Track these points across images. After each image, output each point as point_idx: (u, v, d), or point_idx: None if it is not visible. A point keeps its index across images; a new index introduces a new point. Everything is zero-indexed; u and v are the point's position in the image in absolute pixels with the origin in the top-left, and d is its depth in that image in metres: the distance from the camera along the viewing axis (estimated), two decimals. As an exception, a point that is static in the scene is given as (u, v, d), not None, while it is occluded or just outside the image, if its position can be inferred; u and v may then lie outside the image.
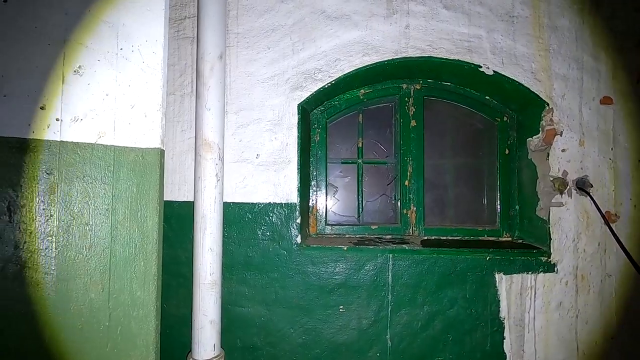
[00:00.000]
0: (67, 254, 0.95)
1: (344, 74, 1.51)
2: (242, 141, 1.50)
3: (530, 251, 1.50)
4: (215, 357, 1.30)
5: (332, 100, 1.72)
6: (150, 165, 1.04)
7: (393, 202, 1.79)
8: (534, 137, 1.58)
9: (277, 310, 1.48)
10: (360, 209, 1.78)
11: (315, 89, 1.51)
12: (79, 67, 0.98)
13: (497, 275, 1.48)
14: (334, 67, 1.51)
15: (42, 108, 0.94)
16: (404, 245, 1.52)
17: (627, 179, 1.50)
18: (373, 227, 1.74)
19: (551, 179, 1.50)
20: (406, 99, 1.74)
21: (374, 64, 1.51)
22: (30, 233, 0.92)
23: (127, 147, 1.02)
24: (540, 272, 1.48)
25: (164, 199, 1.22)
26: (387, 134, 1.80)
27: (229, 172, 1.48)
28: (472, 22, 1.51)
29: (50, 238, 0.94)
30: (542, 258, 1.48)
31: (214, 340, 1.30)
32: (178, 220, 1.48)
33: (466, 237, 1.71)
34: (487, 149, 1.79)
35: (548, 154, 1.52)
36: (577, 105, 1.51)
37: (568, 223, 1.49)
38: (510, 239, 1.72)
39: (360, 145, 1.78)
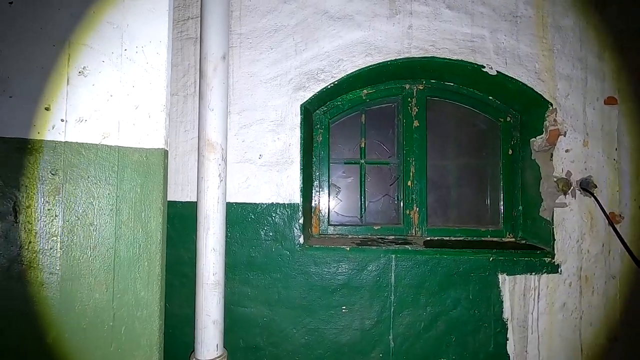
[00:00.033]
0: (71, 254, 0.96)
1: (347, 75, 1.51)
2: (245, 141, 1.50)
3: (534, 252, 1.50)
4: (218, 357, 1.30)
5: (334, 101, 1.72)
6: (154, 166, 1.04)
7: (396, 202, 1.79)
8: (537, 138, 1.58)
9: (279, 311, 1.48)
10: (363, 210, 1.78)
11: (318, 89, 1.51)
12: (84, 68, 0.98)
13: (500, 276, 1.47)
14: (336, 68, 1.51)
15: (47, 109, 0.95)
16: (406, 246, 1.51)
17: (632, 180, 1.49)
18: (376, 228, 1.74)
19: (555, 179, 1.49)
20: (409, 99, 1.74)
21: (377, 64, 1.51)
22: (36, 233, 0.93)
23: (131, 147, 1.02)
24: (544, 273, 1.48)
25: (167, 199, 1.22)
26: (389, 134, 1.80)
27: (232, 173, 1.49)
28: (475, 22, 1.51)
29: (55, 238, 0.94)
30: (546, 259, 1.48)
31: (216, 340, 1.30)
32: (181, 220, 1.48)
33: (469, 238, 1.71)
34: (490, 149, 1.79)
35: (552, 154, 1.51)
36: (581, 105, 1.50)
37: (572, 224, 1.48)
38: (513, 239, 1.72)
39: (362, 145, 1.78)
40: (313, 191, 1.73)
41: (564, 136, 1.49)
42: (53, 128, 0.95)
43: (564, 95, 1.50)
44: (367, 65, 1.51)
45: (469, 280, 1.48)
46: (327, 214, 1.74)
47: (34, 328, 0.91)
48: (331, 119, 1.75)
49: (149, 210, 1.04)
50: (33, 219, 0.93)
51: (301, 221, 1.49)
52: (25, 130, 0.93)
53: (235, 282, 1.48)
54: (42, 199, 0.94)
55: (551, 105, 1.50)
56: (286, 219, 1.49)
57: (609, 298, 1.47)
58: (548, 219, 1.52)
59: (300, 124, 1.50)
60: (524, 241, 1.68)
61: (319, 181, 1.74)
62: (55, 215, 0.95)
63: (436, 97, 1.76)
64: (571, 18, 1.51)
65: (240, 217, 1.49)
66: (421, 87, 1.74)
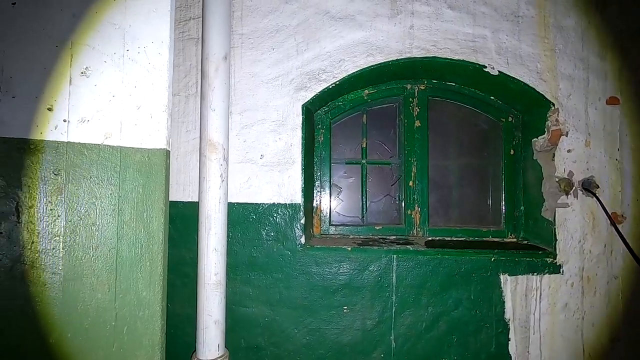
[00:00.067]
0: (74, 254, 0.96)
1: (348, 75, 1.51)
2: (246, 142, 1.50)
3: (536, 252, 1.50)
4: (220, 357, 1.30)
5: (336, 101, 1.72)
6: (156, 166, 1.04)
7: (397, 202, 1.79)
8: (539, 138, 1.58)
9: (281, 311, 1.48)
10: (364, 210, 1.78)
11: (320, 89, 1.51)
12: (86, 68, 0.99)
13: (502, 277, 1.47)
14: (338, 68, 1.51)
15: (49, 109, 0.95)
16: (408, 246, 1.51)
17: (634, 180, 1.48)
18: (377, 228, 1.74)
19: (557, 179, 1.49)
20: (410, 99, 1.74)
21: (378, 64, 1.51)
22: (38, 233, 0.93)
23: (133, 148, 1.02)
24: (546, 273, 1.47)
25: (169, 200, 1.22)
26: (391, 134, 1.80)
27: (234, 173, 1.49)
28: (477, 22, 1.51)
29: (57, 238, 0.95)
30: (548, 259, 1.47)
31: (218, 340, 1.30)
32: (183, 220, 1.49)
33: (471, 238, 1.71)
34: (491, 149, 1.79)
35: (554, 154, 1.51)
36: (583, 105, 1.50)
37: (574, 224, 1.48)
38: (515, 240, 1.72)
39: (364, 145, 1.78)
40: (314, 191, 1.73)
41: (566, 136, 1.49)
42: (55, 128, 0.95)
43: (565, 95, 1.50)
44: (368, 66, 1.51)
45: (470, 281, 1.47)
46: (328, 214, 1.74)
47: (36, 328, 0.92)
48: (332, 119, 1.75)
49: (151, 210, 1.04)
50: (36, 219, 0.93)
51: (302, 221, 1.49)
52: (28, 131, 0.93)
53: (236, 282, 1.48)
54: (45, 199, 0.94)
55: (553, 105, 1.50)
56: (288, 219, 1.49)
57: (611, 298, 1.47)
58: (550, 219, 1.51)
59: (302, 124, 1.50)
60: (525, 241, 1.68)
61: (321, 181, 1.74)
62: (58, 216, 0.95)
63: (438, 97, 1.76)
64: (573, 18, 1.50)
65: (241, 217, 1.49)
66: (423, 87, 1.73)
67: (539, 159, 1.59)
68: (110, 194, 1.00)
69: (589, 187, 1.46)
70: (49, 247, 0.94)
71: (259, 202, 1.49)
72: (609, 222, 1.46)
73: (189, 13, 1.54)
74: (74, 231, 0.96)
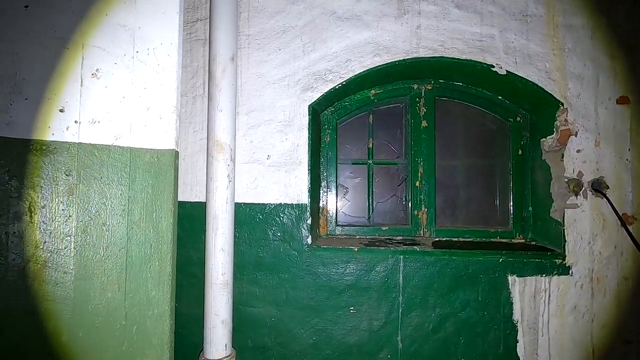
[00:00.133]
0: (85, 254, 0.97)
1: (355, 75, 1.51)
2: (253, 142, 1.51)
3: (544, 253, 1.48)
4: (227, 356, 1.31)
5: (342, 101, 1.72)
6: (165, 167, 1.05)
7: (404, 203, 1.78)
8: (547, 138, 1.56)
9: (287, 311, 1.49)
10: (371, 210, 1.77)
11: (326, 89, 1.51)
12: (97, 70, 1.00)
13: (510, 278, 1.46)
14: (344, 68, 1.51)
15: (61, 110, 0.96)
16: (415, 247, 1.51)
17: (645, 180, 1.46)
18: (383, 228, 1.73)
19: (566, 180, 1.47)
20: (417, 99, 1.73)
21: (385, 64, 1.51)
22: (50, 233, 0.94)
23: (142, 148, 1.03)
24: (555, 274, 1.46)
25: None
26: (397, 134, 1.80)
27: (240, 173, 1.50)
28: (485, 21, 1.50)
29: (69, 238, 0.96)
30: (557, 260, 1.46)
31: (225, 340, 1.31)
32: (190, 220, 1.50)
33: (478, 239, 1.69)
34: (499, 149, 1.77)
35: (562, 154, 1.49)
36: (593, 105, 1.48)
37: (583, 225, 1.46)
38: (523, 240, 1.70)
39: (370, 146, 1.78)
40: (321, 192, 1.73)
41: (575, 136, 1.48)
42: (67, 129, 0.96)
43: (575, 95, 1.48)
44: (375, 66, 1.50)
45: (478, 282, 1.46)
46: (334, 215, 1.74)
47: (49, 326, 0.93)
48: (339, 120, 1.75)
49: (160, 210, 1.05)
50: (48, 219, 0.94)
51: (309, 221, 1.49)
52: (40, 132, 0.94)
53: (243, 282, 1.49)
54: (57, 200, 0.95)
55: (562, 104, 1.48)
56: (294, 220, 1.49)
57: (621, 300, 1.45)
58: (559, 220, 1.50)
59: (308, 124, 1.50)
60: (534, 242, 1.67)
61: (327, 182, 1.74)
62: (69, 216, 0.96)
63: (445, 97, 1.75)
64: (582, 17, 1.49)
65: (248, 217, 1.49)
66: (429, 87, 1.73)
67: (548, 159, 1.58)
68: (120, 194, 1.01)
69: (598, 187, 1.44)
70: (60, 247, 0.95)
71: (265, 203, 1.50)
72: (619, 223, 1.44)
73: (196, 14, 1.55)
74: (85, 231, 0.98)
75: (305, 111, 1.51)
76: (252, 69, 1.52)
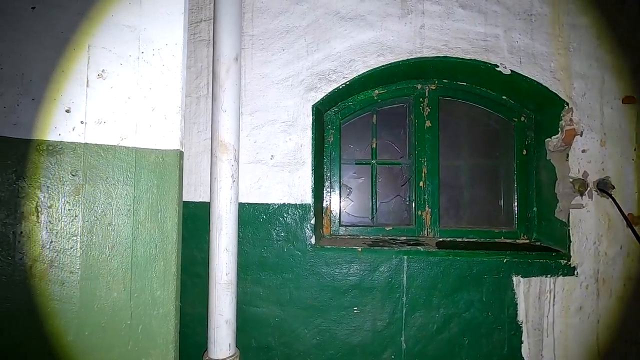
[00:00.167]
0: (90, 254, 0.98)
1: (359, 75, 1.51)
2: (256, 142, 1.51)
3: (549, 254, 1.47)
4: (231, 356, 1.31)
5: (346, 101, 1.72)
6: (169, 167, 1.05)
7: (407, 203, 1.78)
8: (552, 138, 1.55)
9: (291, 311, 1.49)
10: (374, 210, 1.77)
11: (330, 89, 1.51)
12: (103, 70, 1.00)
13: (514, 278, 1.45)
14: (348, 68, 1.51)
15: (67, 111, 0.97)
16: (418, 247, 1.50)
17: (651, 181, 1.45)
18: (387, 229, 1.73)
19: (571, 180, 1.46)
20: (421, 99, 1.73)
21: (389, 64, 1.50)
22: (57, 233, 0.95)
23: (147, 149, 1.04)
24: (560, 275, 1.45)
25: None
26: (401, 134, 1.79)
27: (244, 173, 1.50)
28: (489, 21, 1.49)
29: (75, 238, 0.96)
30: (562, 261, 1.45)
31: (229, 339, 1.31)
32: (194, 220, 1.50)
33: (482, 239, 1.69)
34: (503, 149, 1.77)
35: (567, 154, 1.48)
36: (598, 104, 1.47)
37: (588, 225, 1.46)
38: (527, 241, 1.69)
39: (374, 146, 1.78)
40: (324, 192, 1.73)
41: (581, 136, 1.47)
42: (73, 130, 0.97)
43: (580, 95, 1.47)
44: (378, 66, 1.50)
45: (482, 282, 1.46)
46: (338, 215, 1.74)
47: (55, 325, 0.94)
48: (342, 120, 1.75)
49: (165, 210, 1.05)
50: (54, 219, 0.95)
51: (313, 222, 1.49)
52: (47, 132, 0.95)
53: (247, 282, 1.49)
54: (63, 200, 0.96)
55: (567, 104, 1.47)
56: (298, 220, 1.49)
57: (627, 301, 1.44)
58: (564, 220, 1.49)
59: (312, 124, 1.51)
60: (538, 243, 1.66)
61: (330, 182, 1.74)
62: (76, 216, 0.97)
63: (448, 97, 1.74)
64: (588, 16, 1.48)
65: (252, 217, 1.50)
66: (433, 87, 1.72)
67: (553, 159, 1.57)
68: (126, 194, 1.01)
69: (604, 187, 1.43)
70: (67, 247, 0.96)
71: (269, 203, 1.50)
72: (624, 223, 1.43)
73: (200, 15, 1.55)
74: (91, 231, 0.98)
75: (308, 111, 1.51)
76: (255, 69, 1.52)
